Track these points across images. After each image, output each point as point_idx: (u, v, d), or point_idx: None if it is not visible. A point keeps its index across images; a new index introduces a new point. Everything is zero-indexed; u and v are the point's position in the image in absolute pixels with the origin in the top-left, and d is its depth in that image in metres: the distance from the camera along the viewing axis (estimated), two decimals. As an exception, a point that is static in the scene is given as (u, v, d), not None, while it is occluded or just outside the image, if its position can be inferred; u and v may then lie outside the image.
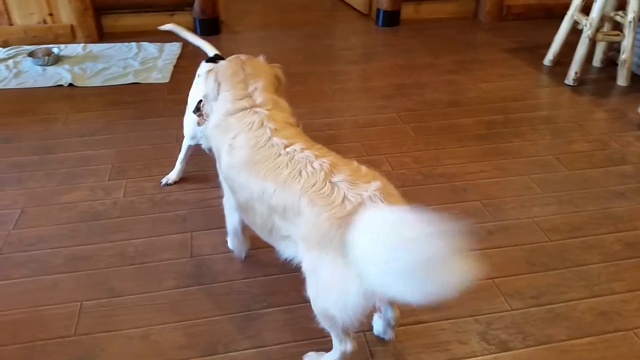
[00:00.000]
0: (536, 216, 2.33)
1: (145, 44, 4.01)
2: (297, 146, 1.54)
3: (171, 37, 4.13)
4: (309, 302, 1.86)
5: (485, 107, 3.26)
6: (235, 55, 1.85)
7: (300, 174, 1.46)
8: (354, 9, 4.92)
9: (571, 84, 3.53)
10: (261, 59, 1.86)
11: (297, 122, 1.72)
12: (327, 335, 1.75)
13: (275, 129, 1.61)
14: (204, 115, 1.99)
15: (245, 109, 1.67)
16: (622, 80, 3.55)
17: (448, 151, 2.81)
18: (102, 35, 4.17)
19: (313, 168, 1.45)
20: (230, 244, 2.09)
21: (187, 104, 2.40)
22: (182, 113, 2.44)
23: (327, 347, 1.71)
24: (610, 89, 3.53)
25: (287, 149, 1.54)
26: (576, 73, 3.50)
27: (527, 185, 2.55)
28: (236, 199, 1.70)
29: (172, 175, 2.50)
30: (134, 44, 4.01)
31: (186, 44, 4.03)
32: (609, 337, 1.79)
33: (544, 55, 3.92)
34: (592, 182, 2.58)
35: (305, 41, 4.33)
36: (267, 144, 1.57)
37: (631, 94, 3.46)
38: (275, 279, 1.99)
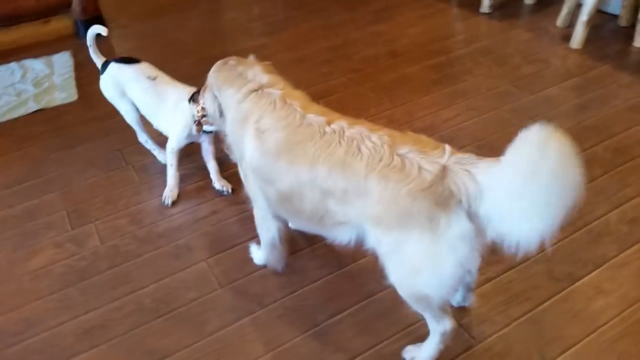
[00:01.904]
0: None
1: (28, 62, 3.42)
2: (342, 122, 1.40)
3: (54, 46, 3.61)
4: (371, 296, 1.76)
5: (424, 52, 3.24)
6: (222, 61, 1.68)
7: (359, 150, 1.31)
8: (241, -23, 4.59)
9: (487, 12, 3.62)
10: (251, 58, 1.70)
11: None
12: (414, 322, 1.66)
13: (302, 106, 1.47)
14: (202, 123, 1.87)
15: (254, 90, 1.54)
16: (529, -2, 3.70)
17: (415, 103, 2.75)
18: (-33, 63, 3.48)
19: (373, 143, 1.32)
20: (262, 259, 1.87)
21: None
22: (121, 129, 2.32)
23: (417, 335, 1.61)
24: (522, 9, 3.67)
25: (331, 126, 1.39)
26: (490, 0, 3.58)
27: (503, 118, 2.58)
28: (274, 191, 1.51)
29: (172, 191, 2.21)
30: (13, 64, 3.39)
31: (77, 50, 3.52)
32: (653, 241, 1.89)
33: (448, -11, 3.96)
34: (556, 101, 2.68)
35: (206, 20, 3.97)
36: (303, 122, 1.42)
37: (541, 10, 3.63)
38: (323, 284, 1.83)
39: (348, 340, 1.64)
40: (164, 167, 2.36)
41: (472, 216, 1.21)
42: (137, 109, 2.28)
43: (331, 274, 1.86)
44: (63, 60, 3.43)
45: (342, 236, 1.46)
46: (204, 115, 1.79)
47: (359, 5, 3.95)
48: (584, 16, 3.03)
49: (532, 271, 1.82)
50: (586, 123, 2.46)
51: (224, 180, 2.26)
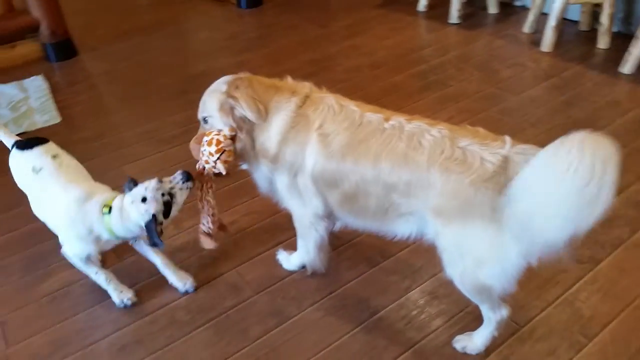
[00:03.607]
0: (522, 143, 2.48)
1: (-1, 87, 3.27)
2: (400, 118, 1.43)
3: (23, 70, 3.44)
4: (409, 291, 1.78)
5: (404, 61, 3.34)
6: (223, 89, 1.56)
7: (420, 144, 1.34)
8: (208, -3, 4.60)
9: (456, 22, 3.79)
10: (242, 74, 1.62)
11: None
12: (457, 313, 1.69)
13: (358, 106, 1.49)
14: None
15: (307, 96, 1.53)
16: (492, 8, 3.91)
17: (408, 109, 2.80)
18: None
19: (433, 136, 1.35)
20: (294, 264, 1.86)
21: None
22: (113, 149, 2.30)
23: (463, 324, 1.65)
24: (487, 18, 3.87)
25: (389, 122, 1.41)
26: (458, 11, 3.76)
27: (495, 118, 2.70)
28: (338, 192, 1.50)
29: (121, 293, 1.78)
30: (-18, 90, 3.23)
31: (49, 74, 3.41)
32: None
33: (413, 3, 4.11)
34: (540, 100, 2.83)
35: (178, 40, 3.94)
36: (362, 121, 1.44)
37: (505, 19, 3.84)
38: (359, 283, 1.83)
39: (396, 335, 1.65)
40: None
41: None
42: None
43: (364, 273, 1.86)
44: (36, 85, 3.30)
45: (403, 229, 1.47)
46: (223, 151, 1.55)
47: (330, 21, 4.04)
48: (552, 21, 3.23)
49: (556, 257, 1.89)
50: (575, 117, 2.61)
51: (183, 273, 1.84)
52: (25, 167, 1.76)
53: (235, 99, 1.52)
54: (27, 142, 1.83)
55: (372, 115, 1.44)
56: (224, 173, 1.57)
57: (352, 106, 1.48)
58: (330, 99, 1.51)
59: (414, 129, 1.38)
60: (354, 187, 1.45)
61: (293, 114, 1.51)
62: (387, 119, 1.42)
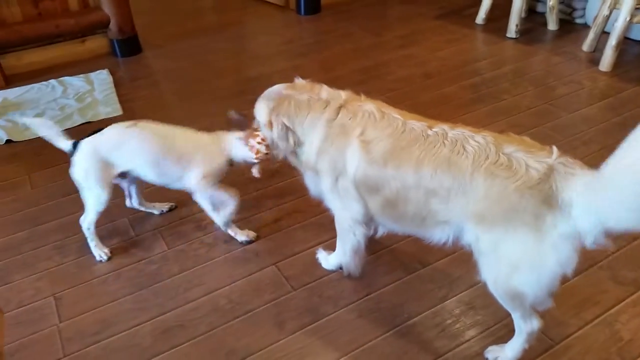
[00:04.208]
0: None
1: (67, 79, 3.47)
2: (443, 126, 1.46)
3: (91, 64, 3.67)
4: (446, 300, 1.79)
5: (457, 73, 3.34)
6: (275, 94, 1.70)
7: (464, 149, 1.37)
8: (268, 2, 4.73)
9: (514, 37, 3.75)
10: (297, 80, 1.73)
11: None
12: (493, 325, 1.69)
13: (401, 114, 1.52)
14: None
15: (342, 107, 1.58)
16: (552, 25, 3.85)
17: (457, 120, 2.79)
18: (7, 79, 3.52)
19: (477, 142, 1.37)
20: (333, 264, 1.91)
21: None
22: None
23: (498, 336, 1.65)
24: (546, 35, 3.81)
25: (433, 129, 1.44)
26: (517, 25, 3.72)
27: (546, 134, 2.66)
28: (379, 198, 1.54)
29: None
30: (53, 81, 3.44)
31: (114, 68, 3.60)
32: None
33: (471, 15, 4.11)
34: (594, 119, 2.77)
35: (238, 42, 4.08)
36: (405, 128, 1.47)
37: (564, 36, 3.77)
38: (395, 288, 1.86)
39: (430, 342, 1.67)
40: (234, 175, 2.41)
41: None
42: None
43: (402, 278, 1.89)
44: (102, 78, 3.49)
45: (439, 235, 1.50)
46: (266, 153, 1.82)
47: (385, 30, 4.08)
48: (612, 41, 3.15)
49: (597, 276, 1.87)
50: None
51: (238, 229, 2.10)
52: (113, 138, 1.94)
53: (272, 127, 1.67)
54: (92, 132, 1.96)
55: (415, 123, 1.47)
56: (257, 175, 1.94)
57: (394, 114, 1.52)
58: (369, 106, 1.55)
59: (458, 135, 1.41)
60: (395, 193, 1.49)
61: (327, 128, 1.58)
62: (430, 127, 1.45)
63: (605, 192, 1.20)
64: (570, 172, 1.28)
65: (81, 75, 3.53)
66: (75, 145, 1.92)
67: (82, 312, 1.83)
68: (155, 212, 2.26)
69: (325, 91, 1.65)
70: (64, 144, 1.94)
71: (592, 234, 1.24)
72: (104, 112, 3.11)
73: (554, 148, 1.34)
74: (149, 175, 1.97)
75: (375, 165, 1.50)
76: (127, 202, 2.25)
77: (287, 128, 1.64)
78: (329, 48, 3.84)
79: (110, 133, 1.96)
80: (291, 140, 1.66)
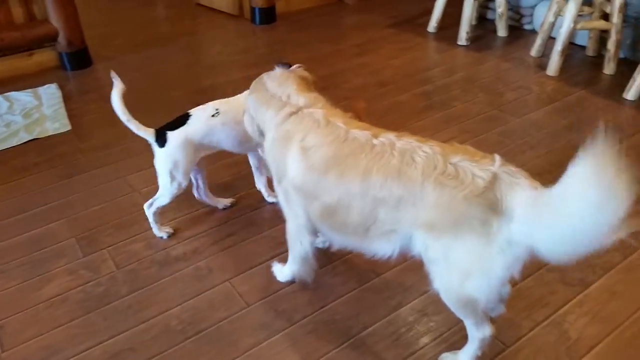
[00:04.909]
0: (520, 165, 2.50)
1: (13, 94, 3.36)
2: (389, 135, 1.47)
3: (39, 78, 3.55)
4: (400, 308, 1.80)
5: (410, 81, 3.39)
6: (257, 79, 1.75)
7: (413, 160, 1.38)
8: (221, 12, 4.70)
9: (464, 44, 3.83)
10: (277, 70, 1.74)
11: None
12: (445, 331, 1.71)
13: (346, 123, 1.53)
14: None
15: (292, 113, 1.60)
16: (502, 31, 3.95)
17: (410, 128, 2.87)
18: (-52, 96, 3.38)
19: (425, 152, 1.38)
20: (287, 276, 1.89)
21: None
22: (121, 158, 2.42)
23: (451, 342, 1.66)
24: (496, 41, 3.91)
25: (379, 139, 1.45)
26: (467, 33, 3.80)
27: (496, 141, 2.72)
28: (318, 205, 1.55)
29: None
30: (-2, 97, 3.33)
31: (63, 82, 3.50)
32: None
33: (424, 24, 4.18)
34: (542, 123, 2.85)
35: (192, 53, 4.03)
36: (348, 137, 1.48)
37: (514, 41, 3.88)
38: (350, 298, 1.86)
39: (383, 352, 1.67)
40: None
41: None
42: None
43: (356, 288, 1.89)
44: (50, 92, 3.39)
45: (383, 247, 1.51)
46: None
47: (340, 39, 4.11)
48: (558, 46, 3.26)
49: (547, 278, 1.91)
50: (575, 142, 2.63)
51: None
52: (201, 129, 2.00)
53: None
54: (172, 123, 2.05)
55: (359, 132, 1.48)
56: None
57: (340, 122, 1.52)
58: (318, 114, 1.55)
59: (406, 146, 1.42)
60: (336, 201, 1.49)
61: (275, 131, 1.62)
62: (375, 136, 1.46)
63: (547, 214, 1.23)
64: (515, 182, 1.31)
65: (29, 90, 3.43)
66: (160, 136, 2.01)
67: (27, 339, 1.75)
68: (219, 206, 2.30)
69: (293, 91, 1.64)
70: (146, 132, 2.03)
71: (521, 248, 1.28)
72: (51, 128, 3.01)
73: (496, 156, 1.36)
74: (234, 150, 2.12)
75: (315, 172, 1.50)
76: (195, 194, 2.28)
77: (251, 115, 1.71)
78: (284, 58, 3.83)
79: (196, 123, 2.00)
80: (255, 128, 1.72)
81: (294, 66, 1.81)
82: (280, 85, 1.67)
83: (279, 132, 1.60)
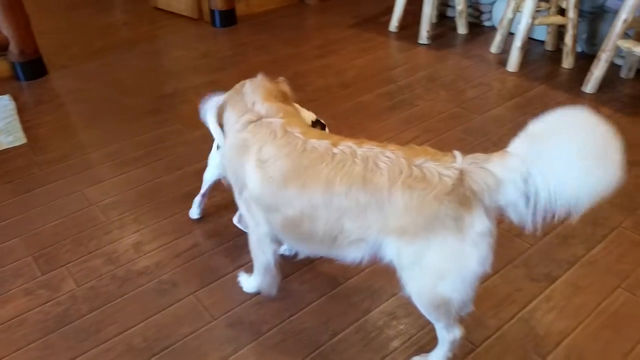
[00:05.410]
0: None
1: (-37, 107, 3.22)
2: (349, 143, 1.44)
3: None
4: (368, 313, 1.79)
5: (373, 81, 3.38)
6: (241, 82, 1.72)
7: (377, 166, 1.36)
8: (180, 15, 4.61)
9: (425, 42, 3.85)
10: (259, 77, 1.72)
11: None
12: (414, 334, 1.70)
13: (304, 133, 1.50)
14: None
15: (252, 121, 1.57)
16: (462, 29, 3.98)
17: (375, 129, 2.86)
18: None
19: (388, 157, 1.37)
20: (253, 286, 1.85)
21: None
22: (78, 171, 2.36)
23: (420, 345, 1.65)
24: (457, 39, 3.94)
25: (339, 147, 1.42)
26: (428, 32, 3.82)
27: (459, 137, 2.73)
28: (280, 217, 1.52)
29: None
30: (-54, 110, 3.19)
31: (17, 93, 3.37)
32: (614, 238, 2.06)
33: (385, 23, 4.18)
34: (503, 119, 2.88)
35: (151, 59, 3.94)
36: (306, 147, 1.45)
37: (474, 39, 3.91)
38: (318, 306, 1.83)
39: (355, 357, 1.65)
40: (132, 204, 2.31)
41: (489, 213, 1.28)
42: None
43: (324, 295, 1.87)
44: (2, 104, 3.26)
45: (353, 255, 1.48)
46: None
47: (302, 41, 4.08)
48: (517, 42, 3.30)
49: (513, 275, 1.92)
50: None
51: None
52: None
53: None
54: None
55: (317, 142, 1.45)
56: None
57: (297, 133, 1.49)
58: (276, 124, 1.52)
59: (368, 153, 1.39)
60: (299, 213, 1.46)
61: (233, 138, 1.59)
62: (334, 144, 1.43)
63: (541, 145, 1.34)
64: (483, 166, 1.31)
65: (-22, 103, 3.29)
66: None
67: (-18, 366, 1.67)
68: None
69: (258, 99, 1.60)
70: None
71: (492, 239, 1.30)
72: (5, 141, 2.90)
73: (457, 152, 1.36)
74: None
75: (274, 185, 1.47)
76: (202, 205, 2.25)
77: (217, 112, 1.68)
78: (246, 60, 3.79)
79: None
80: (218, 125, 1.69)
81: (279, 79, 1.77)
82: (253, 92, 1.64)
83: (237, 139, 1.57)
